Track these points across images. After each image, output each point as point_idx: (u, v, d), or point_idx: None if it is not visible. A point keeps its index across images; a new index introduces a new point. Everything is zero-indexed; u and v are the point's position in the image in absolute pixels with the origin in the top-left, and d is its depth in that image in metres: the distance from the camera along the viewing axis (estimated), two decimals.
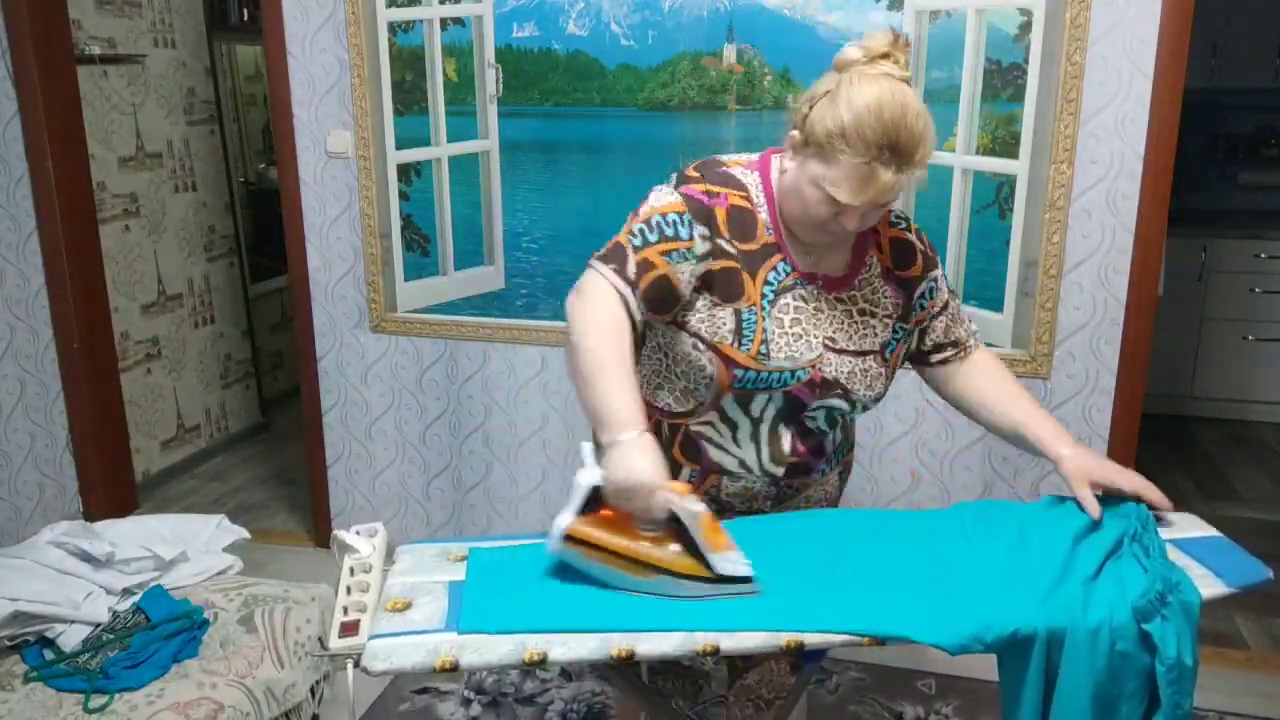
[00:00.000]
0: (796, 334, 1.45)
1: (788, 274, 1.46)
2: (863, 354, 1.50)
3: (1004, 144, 2.50)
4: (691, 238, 1.42)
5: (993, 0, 2.42)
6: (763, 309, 1.45)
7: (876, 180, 1.31)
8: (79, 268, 3.23)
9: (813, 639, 1.25)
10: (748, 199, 1.47)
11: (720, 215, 1.44)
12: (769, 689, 1.75)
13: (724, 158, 1.54)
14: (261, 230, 4.46)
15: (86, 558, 2.03)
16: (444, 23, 2.80)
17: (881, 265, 1.52)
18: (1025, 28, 2.42)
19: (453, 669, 1.20)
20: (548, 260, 2.89)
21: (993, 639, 1.23)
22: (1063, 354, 2.58)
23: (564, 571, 1.35)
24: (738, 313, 1.44)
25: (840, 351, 1.48)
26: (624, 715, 1.98)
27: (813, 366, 1.46)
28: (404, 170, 2.94)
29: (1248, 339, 4.34)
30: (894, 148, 1.29)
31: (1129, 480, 1.42)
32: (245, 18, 4.32)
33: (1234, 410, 4.45)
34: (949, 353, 1.60)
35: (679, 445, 1.54)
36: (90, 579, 2.01)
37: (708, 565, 1.28)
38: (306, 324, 3.13)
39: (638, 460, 1.27)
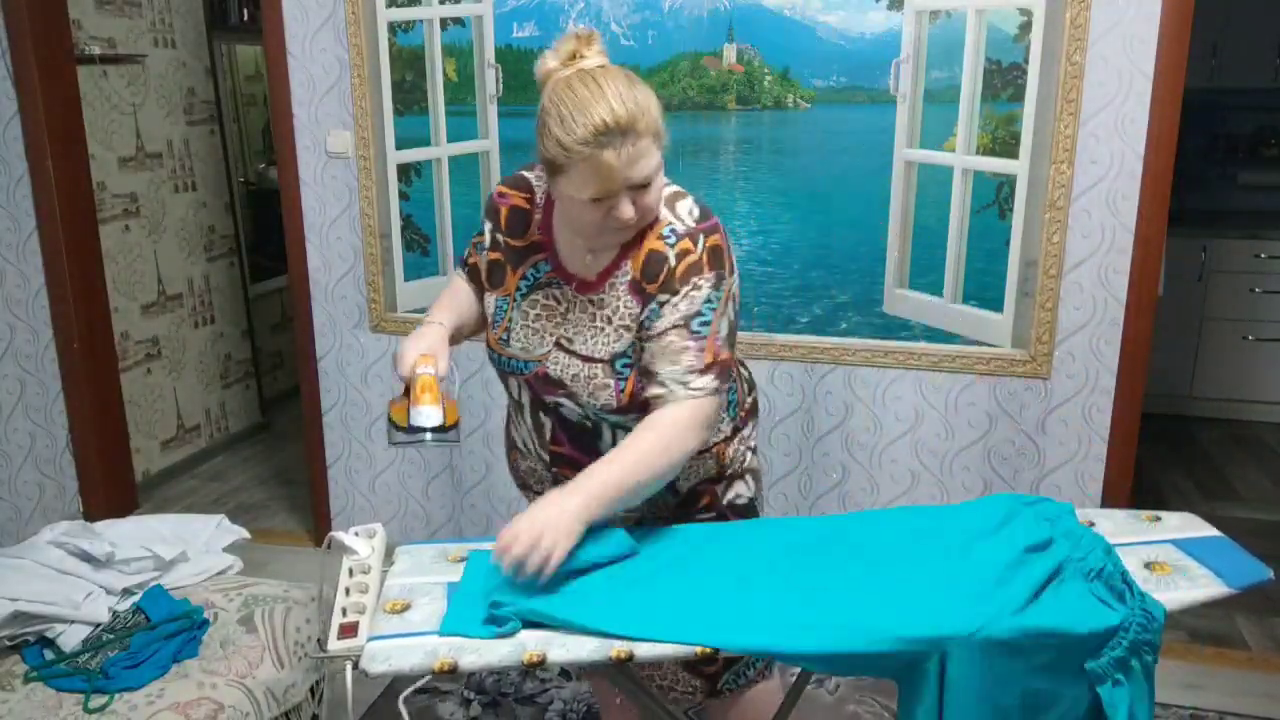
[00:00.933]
0: (536, 328, 1.55)
1: (546, 273, 1.55)
2: (590, 360, 1.50)
3: (1004, 144, 2.50)
4: (483, 232, 1.63)
5: (993, 0, 2.42)
6: (515, 300, 1.57)
7: (606, 164, 1.33)
8: (79, 268, 3.23)
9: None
10: (530, 200, 1.57)
11: (503, 213, 1.59)
12: (660, 676, 1.71)
13: (539, 164, 1.55)
14: (261, 230, 4.46)
15: (86, 558, 2.03)
16: (444, 23, 2.80)
17: (632, 275, 1.48)
18: (1025, 28, 2.42)
19: (451, 671, 1.20)
20: None
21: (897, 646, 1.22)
22: (1063, 354, 2.58)
23: (558, 577, 1.35)
24: (496, 300, 1.60)
25: (570, 352, 1.52)
26: (616, 714, 1.98)
27: (540, 360, 1.54)
28: (404, 170, 2.94)
29: (1248, 339, 4.34)
30: (607, 129, 1.32)
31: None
32: (245, 18, 4.31)
33: (1234, 410, 4.45)
34: (647, 384, 1.46)
35: (506, 416, 1.74)
36: (90, 579, 2.00)
37: (407, 416, 1.49)
38: (306, 324, 3.13)
39: (407, 339, 1.58)
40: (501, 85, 2.79)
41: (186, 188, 3.95)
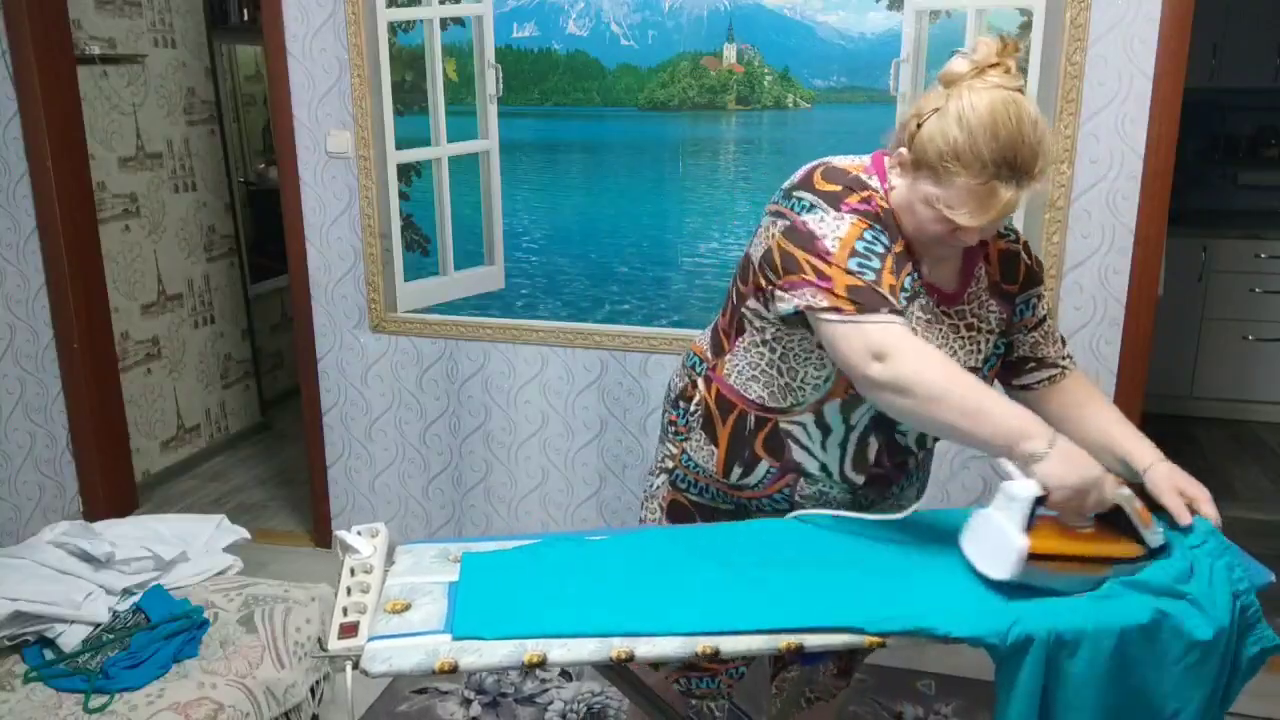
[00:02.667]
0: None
1: (914, 282, 1.42)
2: (968, 369, 1.43)
3: None
4: (894, 241, 1.39)
5: (993, 0, 2.42)
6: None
7: (996, 199, 1.27)
8: (79, 268, 3.23)
9: (812, 641, 1.24)
10: (885, 199, 1.41)
11: (881, 216, 1.40)
12: (810, 688, 1.78)
13: (835, 162, 1.48)
14: (261, 230, 4.46)
15: (86, 558, 2.03)
16: (444, 23, 2.80)
17: (989, 279, 1.48)
18: (1025, 28, 2.42)
19: (452, 671, 1.20)
20: (548, 260, 2.89)
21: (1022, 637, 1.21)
22: None
23: (560, 573, 1.35)
24: None
25: None
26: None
27: None
28: (404, 170, 2.94)
29: (1248, 339, 4.34)
30: (1012, 164, 1.25)
31: (1199, 491, 1.39)
32: (245, 18, 4.31)
33: (1234, 410, 4.45)
34: (1033, 370, 1.55)
35: (763, 439, 1.51)
36: (90, 579, 2.01)
37: (1142, 543, 1.31)
38: (306, 324, 3.13)
39: (1080, 459, 1.27)
40: (501, 85, 2.79)
41: (186, 188, 3.95)
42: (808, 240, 1.37)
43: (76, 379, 3.29)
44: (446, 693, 2.53)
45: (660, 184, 2.75)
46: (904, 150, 1.36)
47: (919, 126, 1.32)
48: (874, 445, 1.49)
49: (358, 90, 2.87)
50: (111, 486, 3.44)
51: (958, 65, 1.32)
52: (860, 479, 1.51)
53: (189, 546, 2.21)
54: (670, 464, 1.66)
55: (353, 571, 1.37)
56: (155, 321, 3.82)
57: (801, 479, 1.52)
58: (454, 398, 3.08)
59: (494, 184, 2.88)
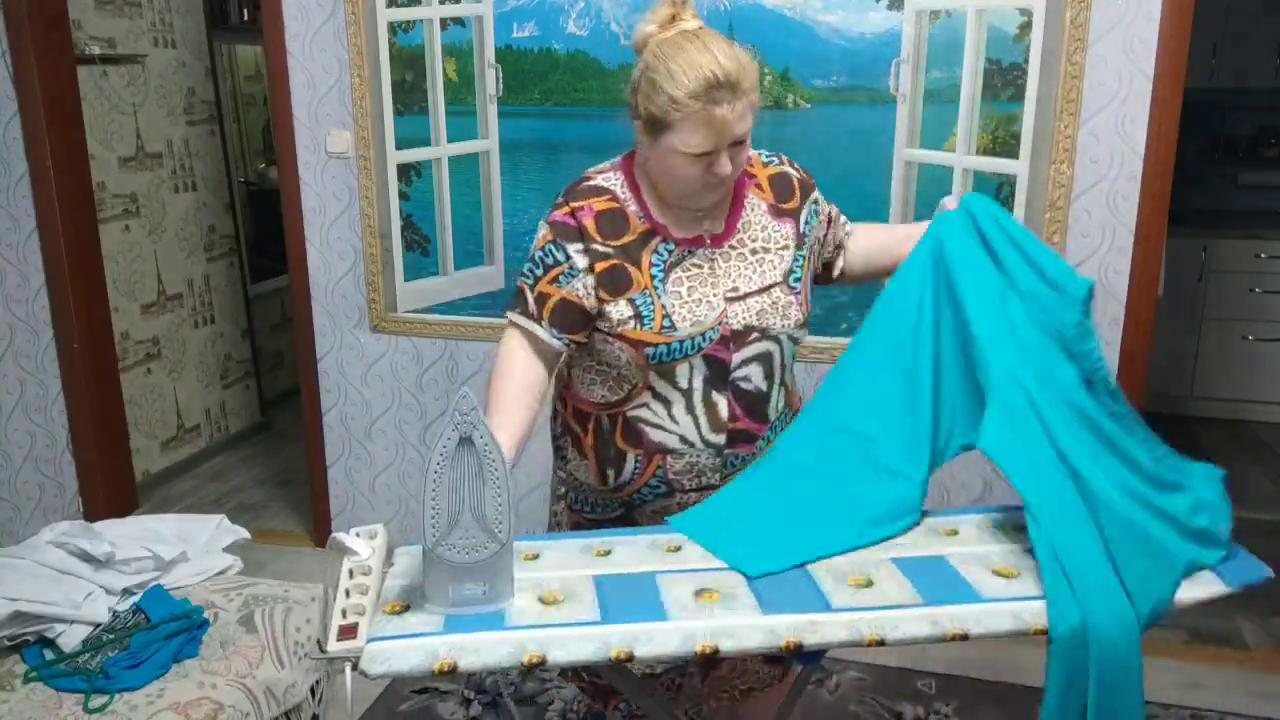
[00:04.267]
0: (696, 299, 1.52)
1: (670, 251, 1.54)
2: (766, 289, 1.55)
3: (1004, 144, 2.50)
4: (569, 257, 1.53)
5: (993, 0, 2.42)
6: (655, 288, 1.52)
7: (717, 118, 1.39)
8: (79, 268, 3.23)
9: (812, 639, 1.25)
10: (613, 199, 1.55)
11: (589, 224, 1.53)
12: (743, 679, 1.77)
13: (590, 170, 1.61)
14: (261, 230, 4.46)
15: (86, 558, 2.03)
16: (444, 23, 2.80)
17: (766, 204, 1.60)
18: (1025, 28, 2.42)
19: (451, 671, 1.20)
20: None
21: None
22: None
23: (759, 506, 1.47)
24: (631, 300, 1.52)
25: (744, 297, 1.54)
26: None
27: (720, 324, 1.52)
28: (404, 170, 2.94)
29: (1248, 339, 4.34)
30: (718, 84, 1.38)
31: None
32: (245, 18, 4.32)
33: (1234, 410, 4.45)
34: (838, 257, 1.72)
35: (620, 433, 1.60)
36: (90, 579, 2.00)
37: None
38: (306, 324, 3.13)
39: None
40: (501, 85, 2.80)
41: (186, 188, 3.95)
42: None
43: (76, 379, 3.29)
44: (446, 693, 2.53)
45: None
46: (637, 122, 1.48)
47: (637, 96, 1.46)
48: (722, 401, 1.56)
49: (358, 90, 2.87)
50: (111, 486, 3.44)
51: (643, 29, 1.46)
52: (721, 439, 1.57)
53: (189, 546, 2.21)
54: (563, 489, 1.75)
55: (351, 573, 1.37)
56: (155, 321, 3.82)
57: (668, 456, 1.58)
58: (454, 398, 3.08)
59: (494, 184, 2.88)
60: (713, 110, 1.39)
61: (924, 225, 1.58)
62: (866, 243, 1.72)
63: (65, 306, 3.22)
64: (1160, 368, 3.93)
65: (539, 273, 1.56)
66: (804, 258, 1.61)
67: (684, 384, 1.55)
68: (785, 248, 1.59)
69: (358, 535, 1.45)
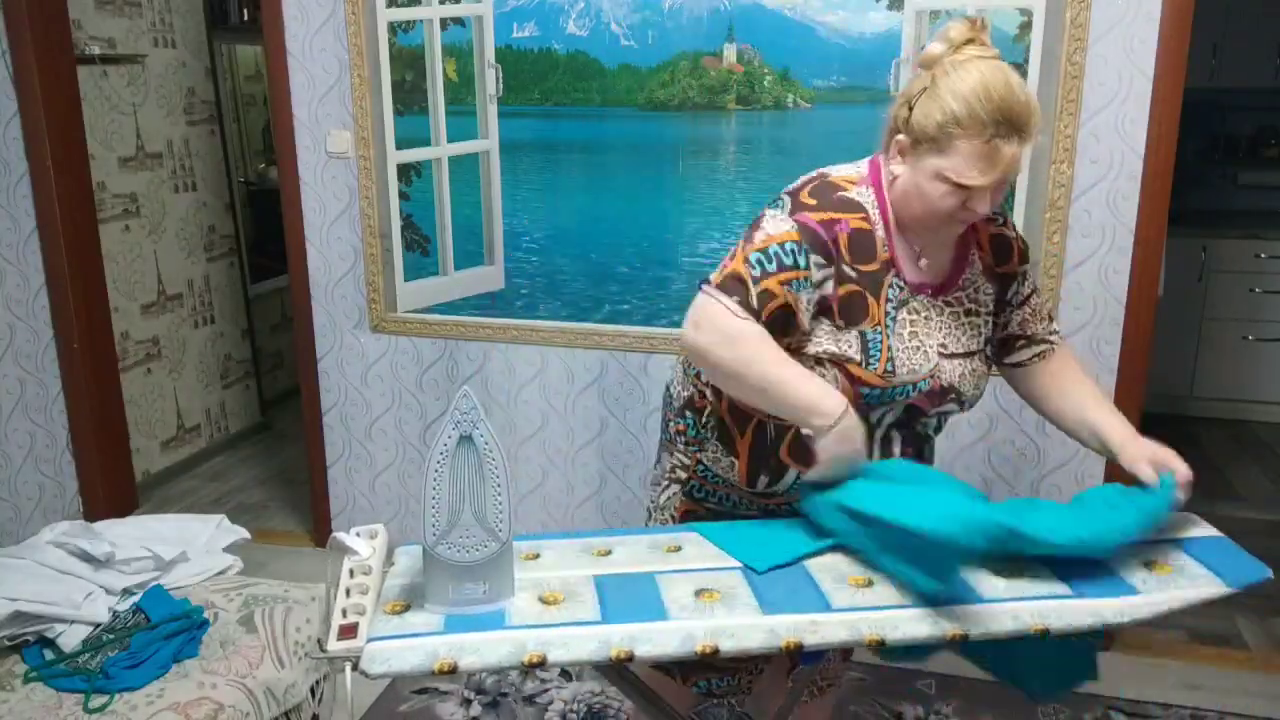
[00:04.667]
0: (914, 346, 1.47)
1: (901, 289, 1.48)
2: (970, 355, 1.52)
3: None
4: (808, 266, 1.42)
5: (993, 0, 2.42)
6: (886, 327, 1.46)
7: (1000, 155, 1.34)
8: (79, 268, 3.23)
9: (812, 639, 1.25)
10: (866, 219, 1.46)
11: (843, 241, 1.44)
12: (823, 676, 1.81)
13: (833, 175, 1.51)
14: (261, 230, 4.46)
15: (86, 558, 2.03)
16: (444, 23, 2.80)
17: (983, 263, 1.54)
18: (1025, 28, 2.42)
19: (451, 671, 1.20)
20: (548, 260, 2.89)
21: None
22: None
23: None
24: (862, 334, 1.45)
25: (951, 356, 1.50)
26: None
27: (932, 376, 1.48)
28: (404, 170, 2.94)
29: (1248, 339, 4.34)
30: (1010, 120, 1.32)
31: (1180, 464, 1.50)
32: (245, 18, 4.32)
33: (1234, 410, 4.45)
34: (1023, 348, 1.61)
35: (788, 447, 1.53)
36: (90, 579, 2.00)
37: None
38: (306, 324, 3.13)
39: (850, 440, 1.40)
40: (501, 85, 2.79)
41: (186, 188, 3.95)
42: (751, 230, 1.47)
43: (76, 379, 3.29)
44: (446, 693, 2.53)
45: (660, 184, 2.75)
46: (901, 137, 1.42)
47: (910, 110, 1.39)
48: (897, 441, 1.54)
49: (358, 90, 2.87)
50: (111, 486, 3.44)
51: (935, 48, 1.40)
52: None
53: (189, 546, 2.21)
54: (683, 474, 1.67)
55: (352, 573, 1.37)
56: (155, 321, 3.82)
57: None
58: (454, 398, 3.07)
59: (494, 184, 2.88)
60: (999, 143, 1.33)
61: (1129, 429, 1.54)
62: (1049, 380, 1.61)
63: (65, 306, 3.22)
64: (1160, 368, 3.93)
65: (770, 268, 1.41)
66: (991, 323, 1.57)
67: (874, 420, 1.50)
68: (990, 313, 1.56)
69: (358, 535, 1.45)
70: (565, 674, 2.57)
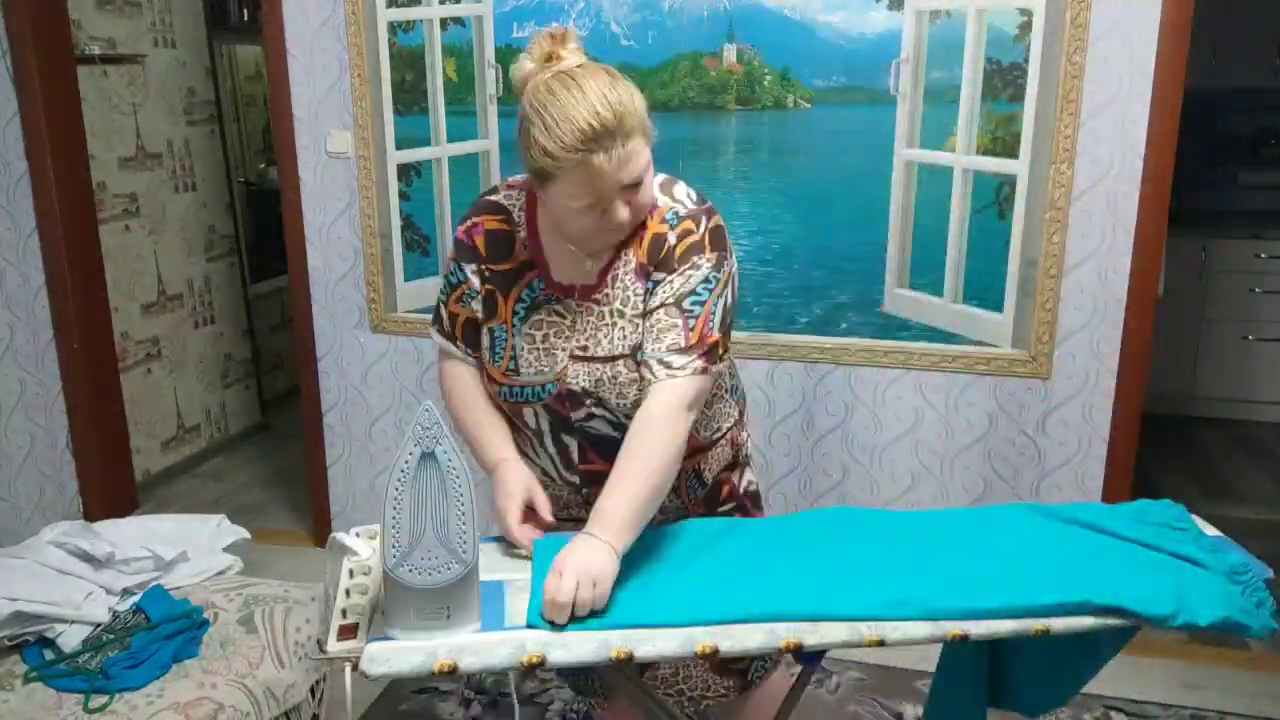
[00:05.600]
0: (546, 348, 1.47)
1: (541, 290, 1.48)
2: (611, 359, 1.45)
3: (1004, 144, 2.50)
4: (467, 278, 1.50)
5: (993, 0, 2.42)
6: (513, 326, 1.48)
7: (597, 169, 1.30)
8: (79, 268, 3.23)
9: (811, 639, 1.25)
10: (506, 220, 1.50)
11: (480, 242, 1.50)
12: (690, 686, 1.68)
13: (508, 180, 1.57)
14: (261, 230, 4.46)
15: (86, 558, 2.03)
16: (444, 23, 2.80)
17: (637, 261, 1.45)
18: (1025, 28, 2.42)
19: (451, 672, 1.20)
20: None
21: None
22: (1063, 354, 2.58)
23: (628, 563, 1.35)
24: (491, 331, 1.50)
25: (589, 360, 1.45)
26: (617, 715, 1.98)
27: (558, 379, 1.46)
28: (404, 170, 2.93)
29: (1248, 339, 4.34)
30: (595, 136, 1.29)
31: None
32: (245, 18, 4.31)
33: (1234, 410, 4.45)
34: (640, 361, 1.45)
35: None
36: (90, 579, 2.00)
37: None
38: (306, 324, 3.13)
39: (497, 495, 1.47)
40: (501, 85, 2.79)
41: (186, 188, 3.95)
42: None
43: (76, 379, 3.28)
44: (447, 693, 2.53)
45: None
46: (529, 174, 1.40)
47: (524, 148, 1.37)
48: (571, 443, 1.51)
49: (358, 90, 2.87)
50: (111, 486, 3.44)
51: (522, 66, 1.37)
52: (575, 478, 1.55)
53: (189, 546, 2.21)
54: None
55: (352, 573, 1.37)
56: (155, 321, 3.82)
57: (543, 484, 1.53)
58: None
59: (495, 183, 2.87)
60: (590, 160, 1.29)
61: (610, 511, 1.34)
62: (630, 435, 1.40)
63: (65, 306, 3.21)
64: (1160, 368, 3.92)
65: (448, 291, 1.54)
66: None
67: (532, 424, 1.52)
68: (640, 315, 1.45)
69: (358, 535, 1.45)
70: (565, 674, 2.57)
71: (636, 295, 1.45)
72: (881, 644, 1.25)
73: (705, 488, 1.63)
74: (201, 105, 4.01)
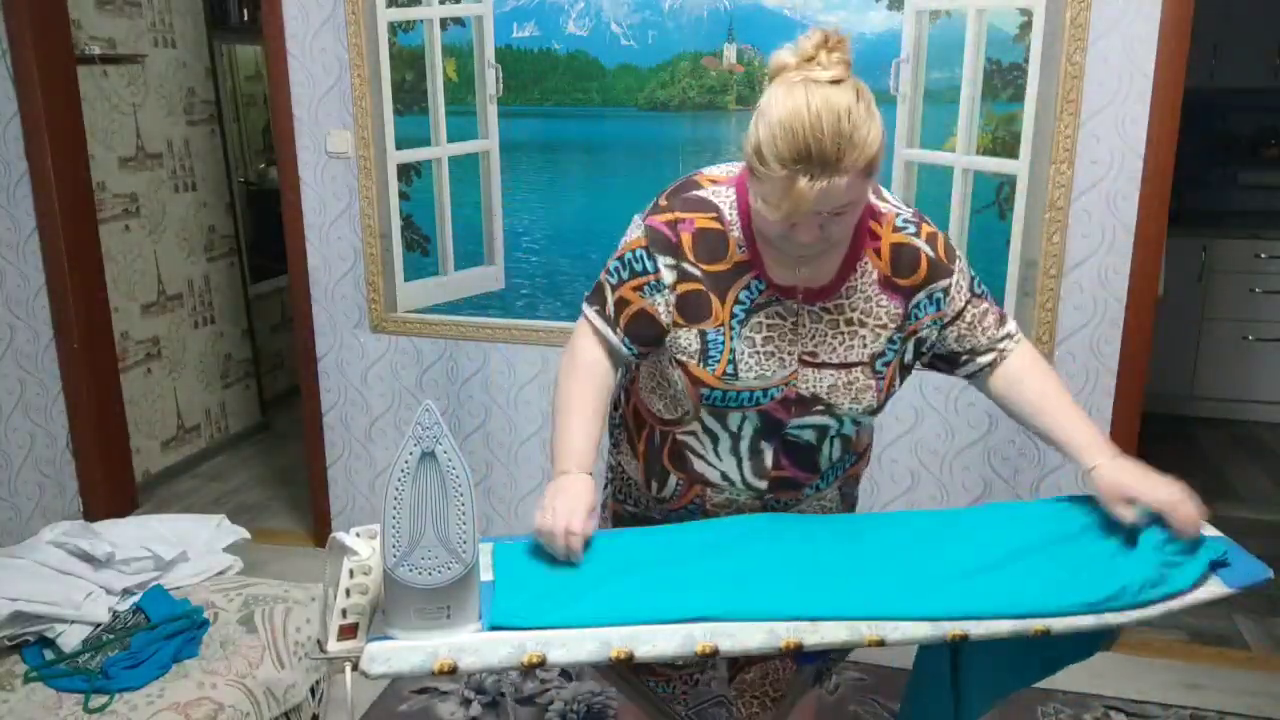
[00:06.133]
0: (769, 351, 1.42)
1: (761, 291, 1.42)
2: (847, 366, 1.43)
3: (1004, 144, 2.50)
4: (657, 269, 1.44)
5: (993, 0, 2.42)
6: (731, 329, 1.42)
7: (795, 191, 1.25)
8: (79, 268, 3.23)
9: (811, 639, 1.25)
10: (718, 219, 1.43)
11: (686, 240, 1.43)
12: (774, 686, 1.74)
13: (705, 173, 1.51)
14: (261, 230, 4.46)
15: (86, 558, 2.03)
16: (444, 23, 2.80)
17: (879, 272, 1.43)
18: (1025, 28, 2.42)
19: (451, 672, 1.20)
20: (548, 260, 2.89)
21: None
22: (1063, 354, 2.58)
23: (590, 564, 1.36)
24: (702, 333, 1.43)
25: (821, 365, 1.43)
26: (624, 716, 1.98)
27: (786, 384, 1.43)
28: (404, 170, 2.93)
29: (1248, 339, 4.34)
30: (808, 158, 1.24)
31: (1164, 496, 1.35)
32: (245, 18, 4.31)
33: (1234, 410, 4.45)
34: (967, 361, 1.51)
35: (668, 453, 1.55)
36: (90, 579, 2.00)
37: None
38: (306, 324, 3.13)
39: (564, 503, 1.37)
40: (501, 85, 2.79)
41: (186, 188, 3.95)
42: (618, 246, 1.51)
43: (76, 379, 3.28)
44: (447, 693, 2.53)
45: (660, 184, 2.72)
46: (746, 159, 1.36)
47: (750, 132, 1.33)
48: (768, 449, 1.49)
49: (358, 90, 2.87)
50: (111, 486, 3.44)
51: (782, 56, 1.33)
52: (763, 484, 1.52)
53: (189, 546, 2.21)
54: (610, 475, 1.71)
55: (352, 573, 1.37)
56: (155, 321, 3.82)
57: (708, 489, 1.54)
58: (454, 398, 3.08)
59: (494, 184, 2.88)
60: (796, 180, 1.24)
61: (1090, 435, 1.46)
62: (1012, 389, 1.50)
63: (65, 306, 3.22)
64: (1160, 368, 3.92)
65: (624, 276, 1.46)
66: (900, 341, 1.46)
67: (734, 428, 1.48)
68: (884, 326, 1.44)
69: (358, 535, 1.45)
70: (565, 674, 2.57)
71: (880, 306, 1.43)
72: (882, 644, 1.25)
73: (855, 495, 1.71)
74: (201, 105, 4.01)
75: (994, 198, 2.54)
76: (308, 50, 2.90)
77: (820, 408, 1.44)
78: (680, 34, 2.65)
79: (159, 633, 1.91)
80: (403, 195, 2.95)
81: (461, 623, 1.24)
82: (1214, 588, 1.35)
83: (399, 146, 2.92)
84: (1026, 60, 2.43)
